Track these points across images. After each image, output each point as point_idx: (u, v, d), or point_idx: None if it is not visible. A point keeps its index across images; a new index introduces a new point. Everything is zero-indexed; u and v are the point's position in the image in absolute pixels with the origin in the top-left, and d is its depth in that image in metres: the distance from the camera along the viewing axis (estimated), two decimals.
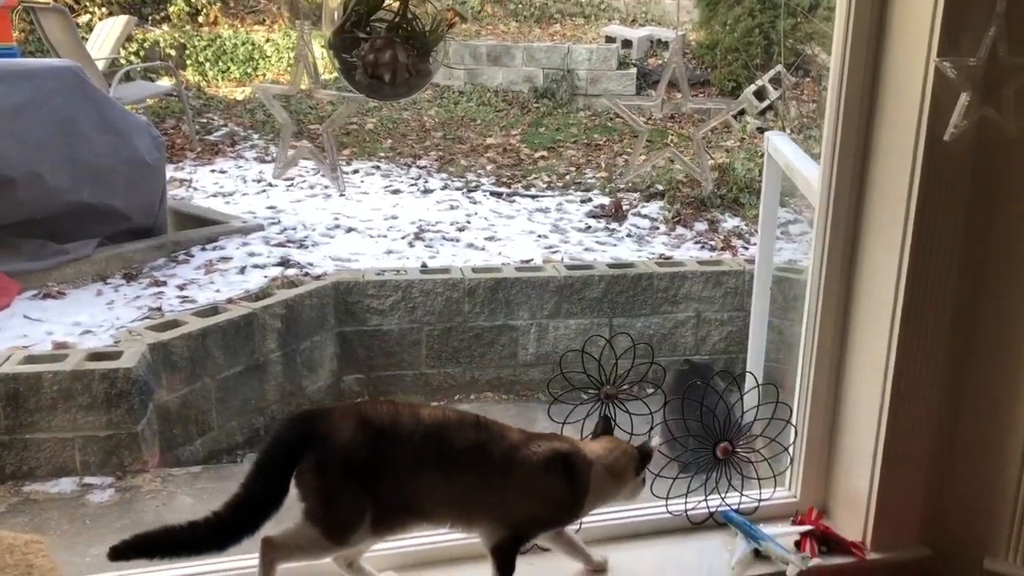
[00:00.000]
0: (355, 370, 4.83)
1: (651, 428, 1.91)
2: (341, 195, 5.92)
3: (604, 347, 1.87)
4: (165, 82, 8.58)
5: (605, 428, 1.79)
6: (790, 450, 2.02)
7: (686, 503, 1.97)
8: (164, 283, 4.63)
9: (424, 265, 5.09)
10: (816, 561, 1.86)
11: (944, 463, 1.92)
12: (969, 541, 1.91)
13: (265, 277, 4.74)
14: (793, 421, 2.01)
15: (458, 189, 6.66)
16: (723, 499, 1.99)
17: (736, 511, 1.99)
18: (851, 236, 1.88)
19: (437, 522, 1.66)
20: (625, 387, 1.90)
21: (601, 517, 1.97)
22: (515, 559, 1.67)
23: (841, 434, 1.97)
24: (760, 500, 2.00)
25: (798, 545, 1.91)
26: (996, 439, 1.87)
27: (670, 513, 1.96)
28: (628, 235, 5.80)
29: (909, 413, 1.83)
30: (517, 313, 4.87)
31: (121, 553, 1.46)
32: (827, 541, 1.91)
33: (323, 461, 1.55)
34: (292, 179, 6.58)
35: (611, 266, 5.07)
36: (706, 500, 1.98)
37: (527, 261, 5.26)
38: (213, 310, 4.29)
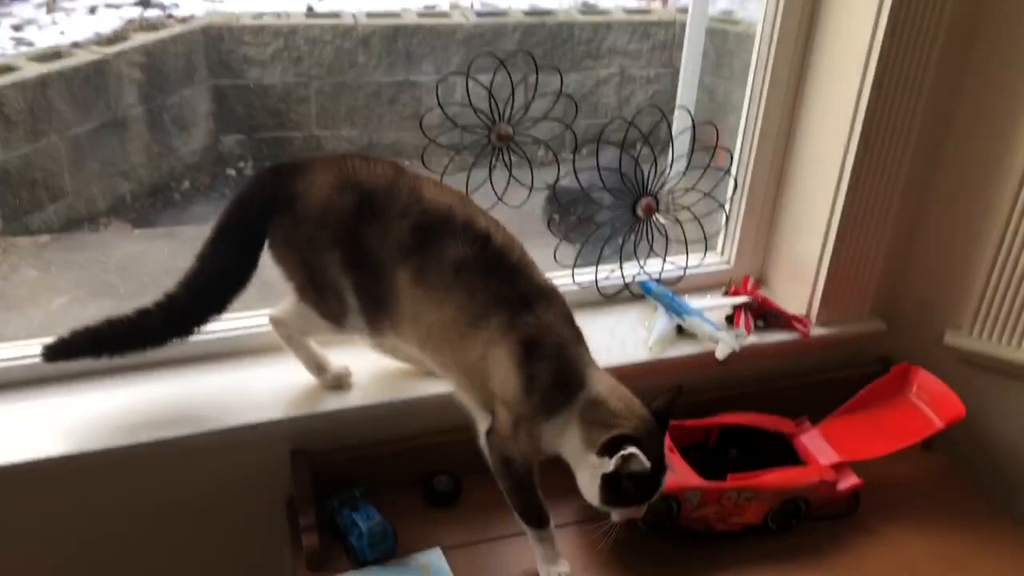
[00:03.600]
0: (235, 130, 4.26)
1: (556, 181, 1.50)
2: None
3: (496, 71, 1.41)
4: None
5: (668, 404, 1.20)
6: (726, 207, 1.64)
7: (596, 272, 1.60)
8: None
9: (310, 8, 4.40)
10: (752, 339, 1.54)
11: (910, 229, 1.58)
12: (929, 314, 1.62)
13: (120, 19, 4.02)
14: (733, 171, 1.62)
15: None
16: (642, 267, 1.63)
17: (657, 281, 1.64)
18: None
19: (405, 338, 1.27)
20: (527, 124, 1.47)
21: None
22: (509, 446, 1.22)
23: (791, 190, 1.60)
24: (687, 267, 1.65)
25: (730, 320, 1.59)
26: (973, 208, 1.52)
27: (577, 285, 1.60)
28: None
29: (875, 167, 1.46)
30: (420, 67, 4.30)
31: (57, 352, 1.26)
32: (765, 315, 1.59)
33: (293, 224, 1.24)
34: None
35: (528, 14, 4.48)
36: (621, 268, 1.62)
37: (431, 6, 4.61)
38: (55, 55, 3.62)
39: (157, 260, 3.17)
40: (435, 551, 1.33)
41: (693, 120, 1.54)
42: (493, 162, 1.48)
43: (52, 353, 1.26)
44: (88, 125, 3.64)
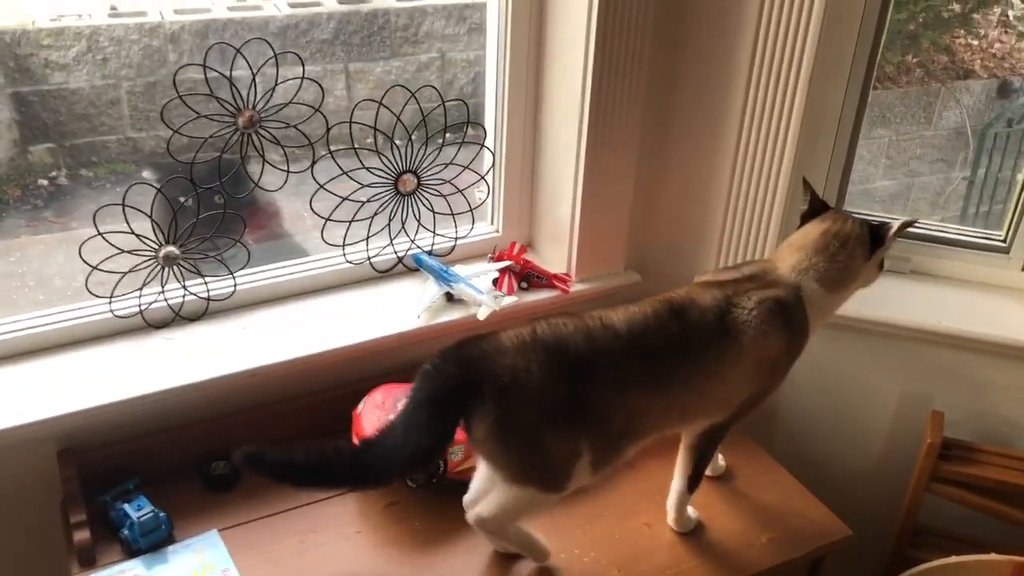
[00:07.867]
0: (43, 139, 4.06)
1: (313, 164, 1.55)
2: None
3: (234, 58, 1.44)
4: None
5: (823, 206, 1.41)
6: (488, 178, 1.73)
7: (367, 250, 1.66)
8: None
9: (113, 8, 4.26)
10: (512, 299, 1.63)
11: (652, 190, 1.71)
12: (679, 263, 1.75)
13: None
14: (490, 144, 1.71)
15: None
16: (413, 241, 1.70)
17: (429, 253, 1.71)
18: None
19: (655, 435, 1.32)
20: (272, 109, 1.51)
21: (281, 272, 1.64)
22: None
23: (543, 158, 1.70)
24: (457, 238, 1.73)
25: (497, 283, 1.68)
26: (703, 167, 1.66)
27: (350, 263, 1.66)
28: None
29: (607, 134, 1.57)
30: (234, 62, 4.22)
31: (253, 462, 1.19)
32: (528, 276, 1.68)
33: (510, 416, 1.19)
34: None
35: (341, 1, 4.46)
36: (392, 244, 1.68)
37: None
38: None
39: None
40: (211, 533, 1.36)
41: (443, 99, 1.62)
42: (246, 149, 1.51)
43: (248, 460, 1.19)
44: None
